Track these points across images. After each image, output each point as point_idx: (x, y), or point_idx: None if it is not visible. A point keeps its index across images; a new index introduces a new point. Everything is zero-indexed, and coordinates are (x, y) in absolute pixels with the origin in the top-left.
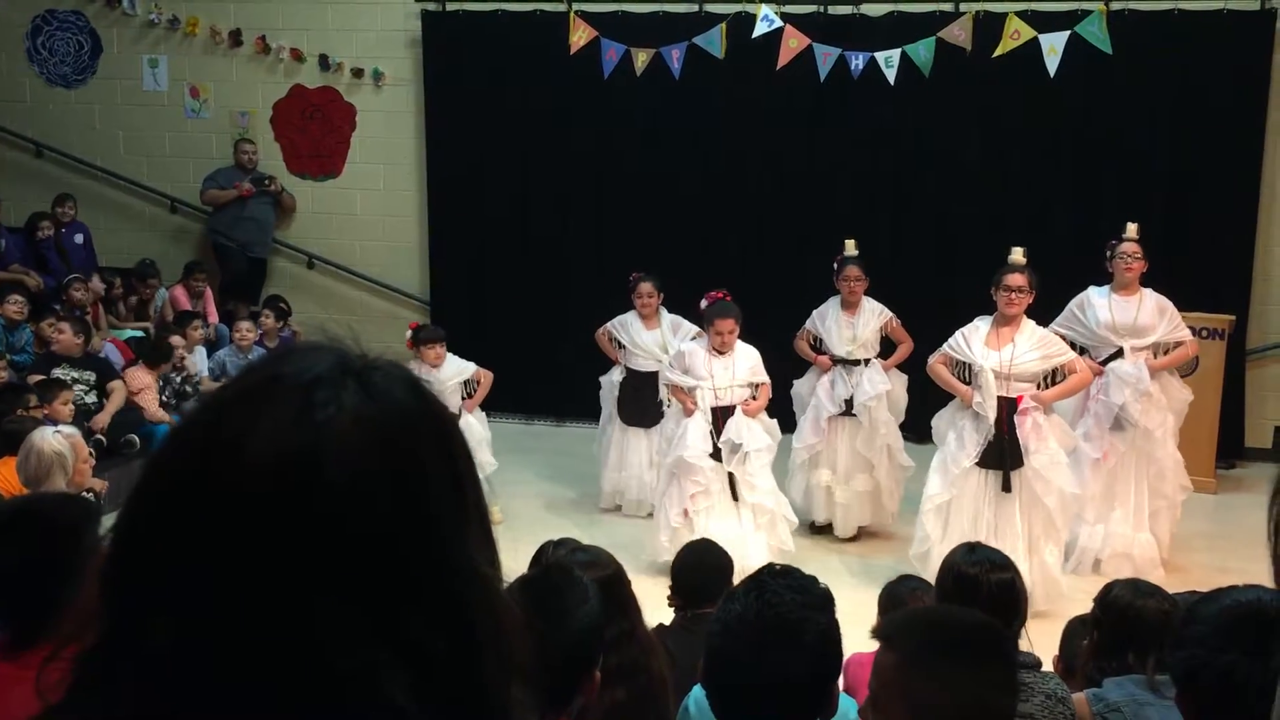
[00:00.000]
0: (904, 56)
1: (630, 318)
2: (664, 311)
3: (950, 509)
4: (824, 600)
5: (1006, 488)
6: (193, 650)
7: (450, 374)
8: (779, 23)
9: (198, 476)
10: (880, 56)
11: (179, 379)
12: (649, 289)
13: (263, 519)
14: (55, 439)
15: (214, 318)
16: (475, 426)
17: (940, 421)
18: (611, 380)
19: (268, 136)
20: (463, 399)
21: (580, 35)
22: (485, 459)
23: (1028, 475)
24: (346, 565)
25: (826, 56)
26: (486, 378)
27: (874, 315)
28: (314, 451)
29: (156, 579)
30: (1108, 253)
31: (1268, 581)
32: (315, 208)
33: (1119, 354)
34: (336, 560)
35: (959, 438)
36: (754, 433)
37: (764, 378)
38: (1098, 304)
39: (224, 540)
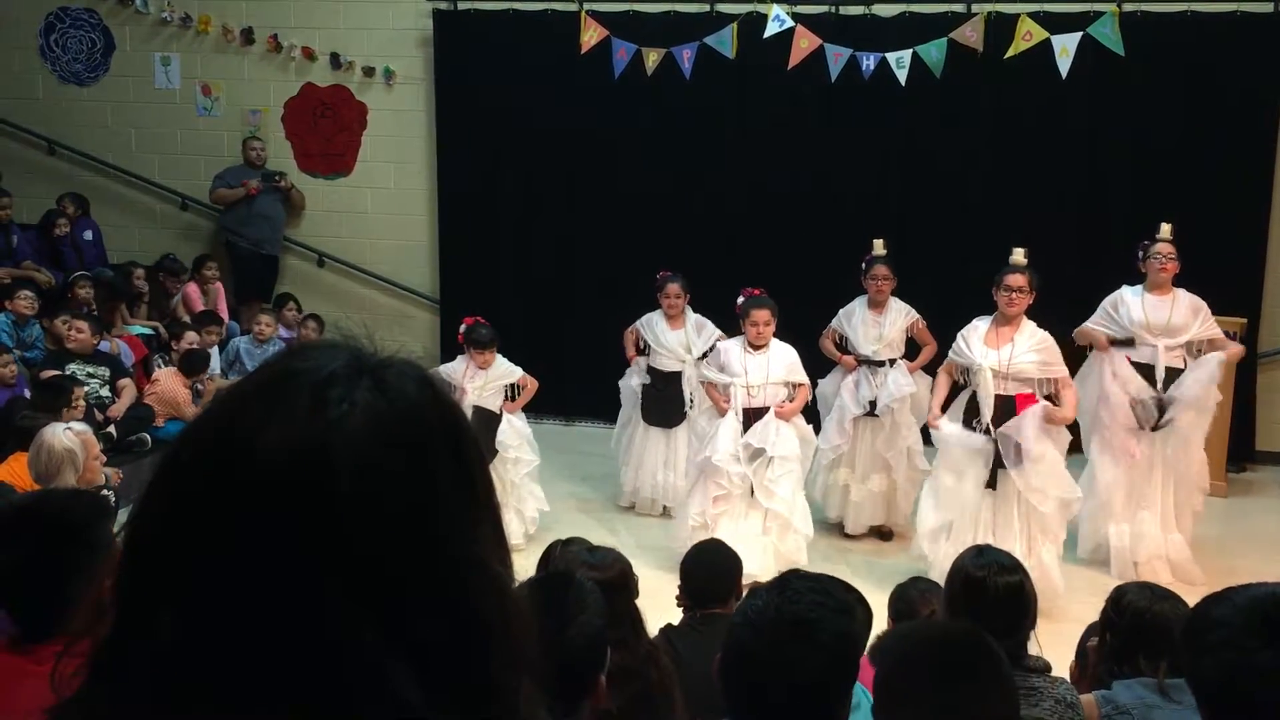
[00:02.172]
0: (915, 57)
1: (655, 317)
2: (689, 312)
3: (952, 508)
4: (846, 606)
5: (991, 485)
6: (203, 644)
7: (495, 375)
8: (790, 23)
9: (211, 472)
10: (891, 57)
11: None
12: (676, 289)
13: (274, 515)
14: (66, 436)
15: (225, 314)
16: (517, 424)
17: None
18: (630, 385)
19: (279, 135)
20: (505, 400)
21: (591, 35)
22: (527, 456)
23: (1021, 486)
24: (357, 561)
25: (838, 57)
26: (531, 384)
27: (900, 315)
28: (326, 448)
29: (168, 573)
30: (1140, 253)
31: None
32: (326, 206)
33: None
34: (347, 556)
35: (960, 438)
36: (783, 438)
37: (802, 378)
38: (1131, 302)
39: (235, 536)
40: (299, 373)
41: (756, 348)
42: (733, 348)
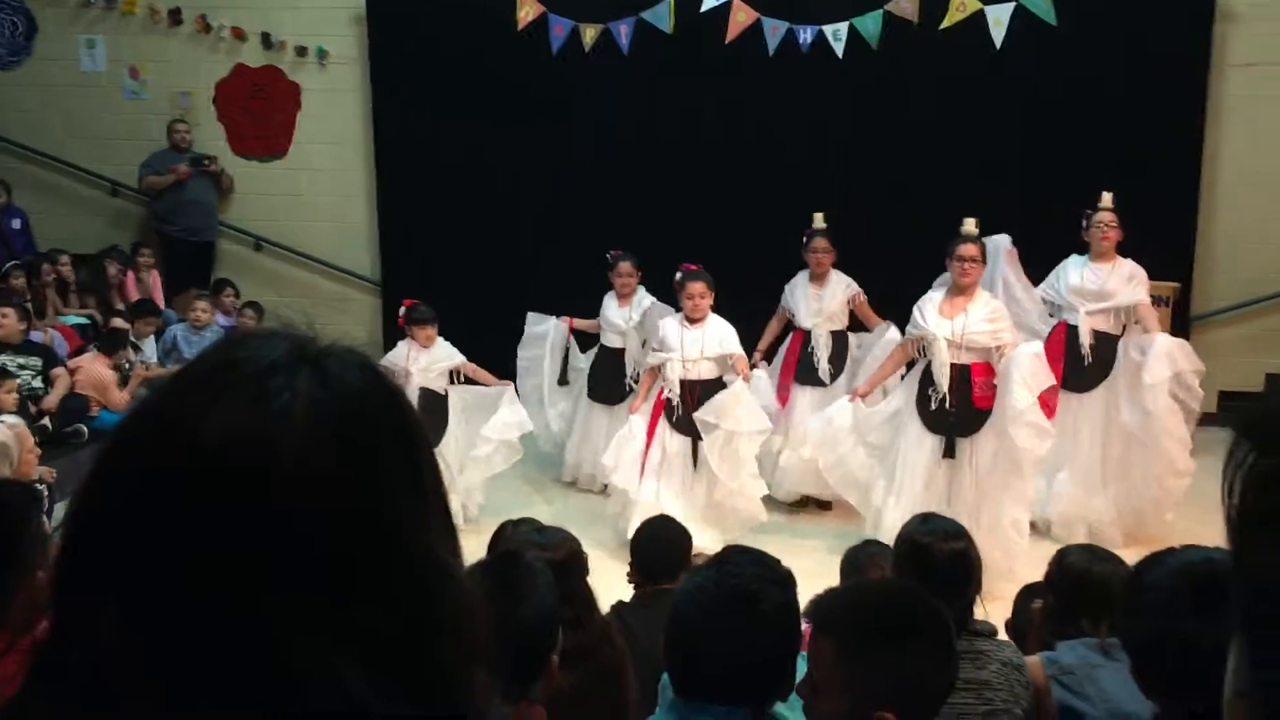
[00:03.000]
0: (852, 29)
1: (608, 296)
2: (641, 291)
3: (903, 476)
4: (784, 578)
5: (949, 454)
6: (146, 642)
7: (438, 356)
8: None
9: (151, 465)
10: (828, 30)
11: (128, 366)
12: (628, 268)
13: (218, 508)
14: None
15: (160, 301)
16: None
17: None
18: (539, 331)
19: (210, 117)
20: (451, 382)
21: (527, 11)
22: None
23: (981, 443)
24: (303, 555)
25: (775, 30)
26: (480, 373)
27: (840, 288)
28: (268, 440)
29: (108, 570)
30: (1084, 222)
31: (1221, 544)
32: (261, 189)
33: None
34: (293, 550)
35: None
36: (747, 410)
37: (736, 349)
38: (1071, 269)
39: (177, 531)
40: (239, 362)
41: (693, 321)
42: (670, 323)
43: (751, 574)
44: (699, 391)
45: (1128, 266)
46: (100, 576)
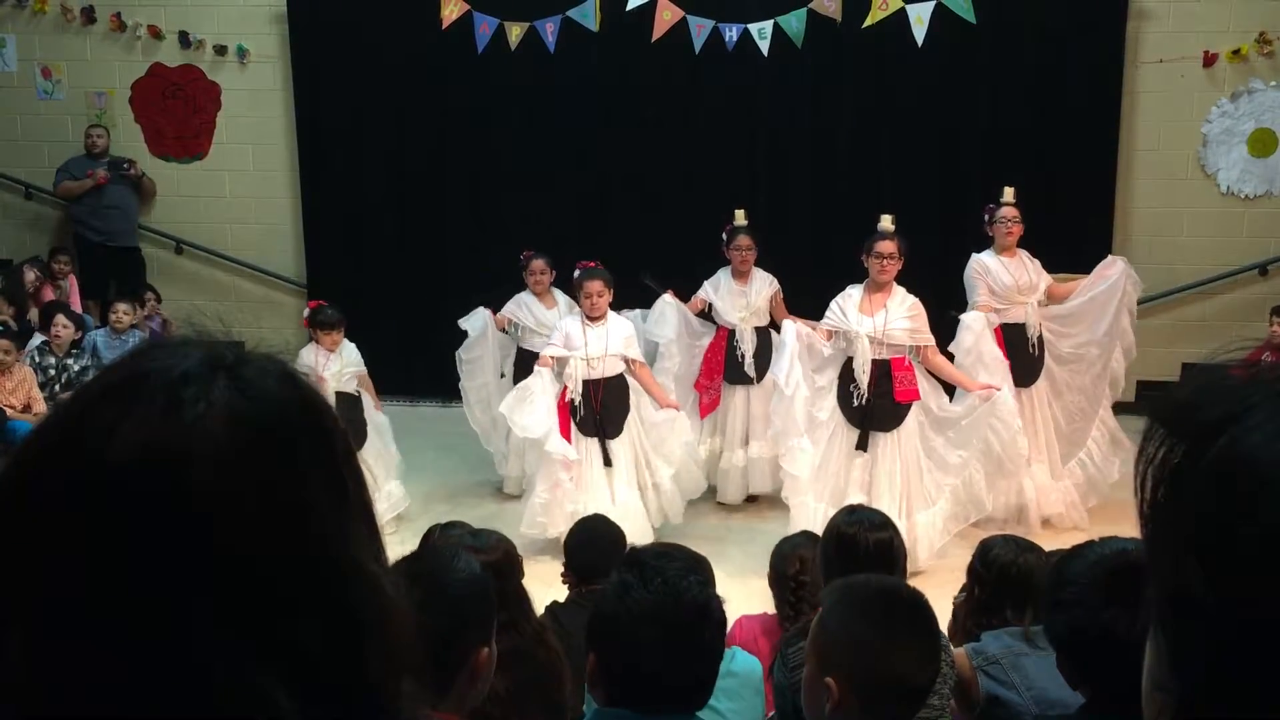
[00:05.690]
0: (776, 28)
1: (526, 297)
2: (558, 292)
3: (825, 469)
4: (710, 572)
5: (862, 447)
6: (60, 665)
7: (349, 361)
8: None
9: (58, 483)
10: (753, 28)
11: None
12: (540, 266)
13: (130, 527)
14: None
15: (78, 306)
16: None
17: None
18: (478, 327)
19: (127, 118)
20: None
21: (452, 9)
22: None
23: (905, 435)
24: (223, 570)
25: (700, 28)
26: (370, 391)
27: (765, 284)
28: (182, 453)
29: (14, 597)
30: (986, 217)
31: (1135, 534)
32: (182, 191)
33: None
34: (212, 565)
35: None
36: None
37: (637, 355)
38: (995, 268)
39: (88, 550)
40: (150, 373)
41: (593, 319)
42: (572, 322)
43: (695, 582)
44: (603, 391)
45: (1026, 256)
46: (9, 599)
